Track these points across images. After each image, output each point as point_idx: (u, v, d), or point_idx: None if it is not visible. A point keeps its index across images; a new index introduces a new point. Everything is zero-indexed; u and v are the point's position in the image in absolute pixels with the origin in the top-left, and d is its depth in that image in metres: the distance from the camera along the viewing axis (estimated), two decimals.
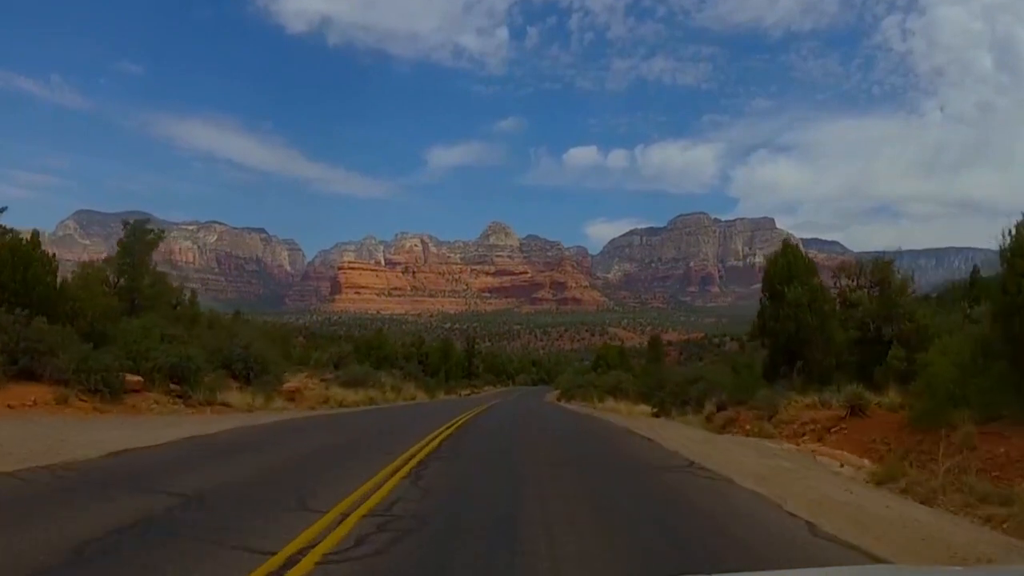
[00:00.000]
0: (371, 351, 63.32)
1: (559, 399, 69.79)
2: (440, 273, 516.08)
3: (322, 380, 48.21)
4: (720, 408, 27.67)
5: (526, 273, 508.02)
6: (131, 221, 39.06)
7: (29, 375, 19.73)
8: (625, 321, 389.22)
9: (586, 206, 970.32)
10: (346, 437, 17.52)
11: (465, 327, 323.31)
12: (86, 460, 10.78)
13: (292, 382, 42.02)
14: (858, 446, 15.72)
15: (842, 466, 14.01)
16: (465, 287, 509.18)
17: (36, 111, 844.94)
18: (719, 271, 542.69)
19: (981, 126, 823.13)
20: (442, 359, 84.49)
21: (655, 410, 33.57)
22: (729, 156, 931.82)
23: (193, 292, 62.38)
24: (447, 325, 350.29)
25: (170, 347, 24.83)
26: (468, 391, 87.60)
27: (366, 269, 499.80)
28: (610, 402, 44.08)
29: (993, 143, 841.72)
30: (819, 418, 18.92)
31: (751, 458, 13.67)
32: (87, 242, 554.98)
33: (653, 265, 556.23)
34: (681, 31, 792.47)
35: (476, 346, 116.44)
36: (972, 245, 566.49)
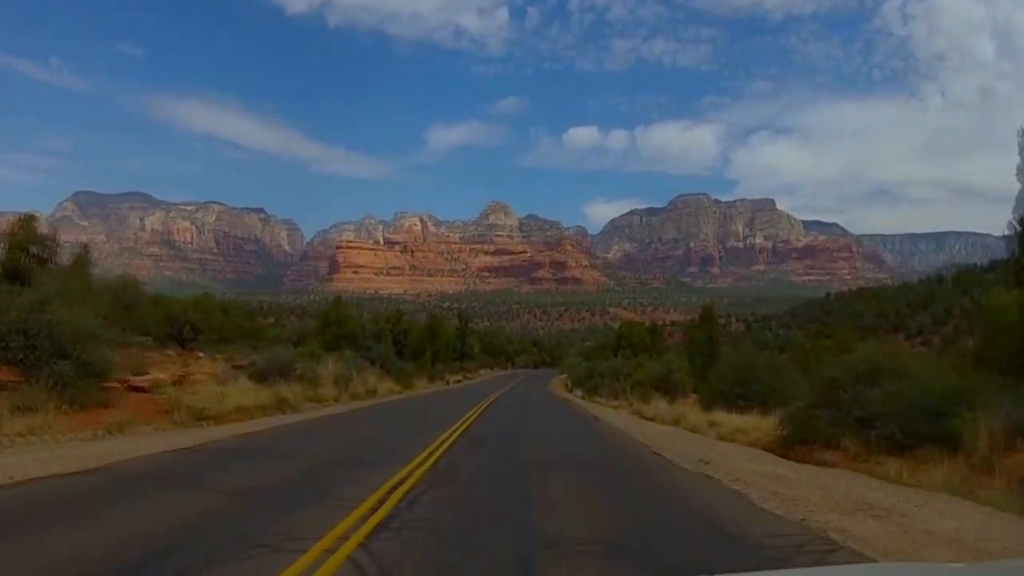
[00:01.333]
0: (327, 327, 47.11)
1: (570, 389, 53.56)
2: (439, 252, 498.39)
3: (234, 367, 32.31)
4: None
5: (525, 253, 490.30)
6: None
7: None
8: (626, 301, 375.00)
9: (586, 186, 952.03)
10: None
11: (464, 306, 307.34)
12: None
13: (166, 372, 26.05)
14: None
15: None
16: (464, 266, 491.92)
17: (36, 94, 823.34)
18: (719, 252, 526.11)
19: (982, 112, 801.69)
20: (428, 338, 68.29)
21: (782, 430, 17.25)
22: (729, 138, 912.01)
23: (55, 235, 44.87)
24: (445, 304, 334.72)
25: None
26: (460, 377, 71.49)
27: (364, 248, 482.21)
28: (659, 403, 27.92)
29: (994, 129, 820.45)
30: None
31: None
32: (85, 223, 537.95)
33: (653, 245, 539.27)
34: (681, 12, 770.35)
35: (471, 324, 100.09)
36: (972, 230, 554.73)
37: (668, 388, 29.10)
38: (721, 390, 25.84)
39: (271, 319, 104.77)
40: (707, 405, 25.65)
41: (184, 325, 47.30)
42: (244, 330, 55.38)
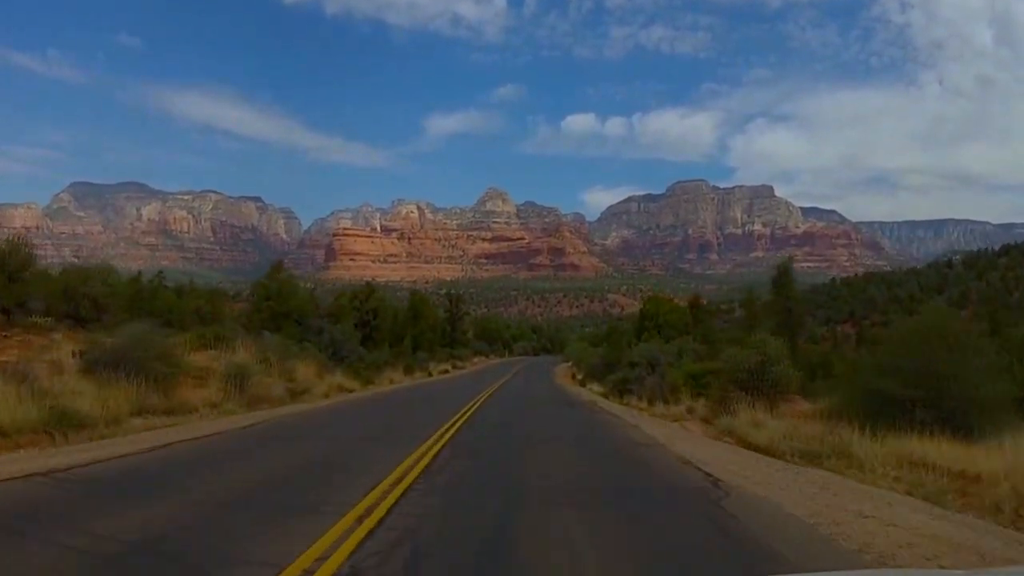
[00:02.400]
0: (264, 303, 35.09)
1: (583, 383, 41.59)
2: (436, 239, 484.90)
3: (74, 356, 20.52)
4: None
5: (523, 239, 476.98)
6: None
7: None
8: (624, 287, 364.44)
9: (583, 173, 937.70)
10: None
11: (461, 293, 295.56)
12: None
13: None
14: None
15: None
16: (462, 253, 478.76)
17: (33, 86, 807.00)
18: (717, 238, 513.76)
19: (980, 100, 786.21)
20: (409, 321, 56.34)
21: None
22: (727, 125, 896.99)
23: None
24: (443, 291, 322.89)
25: None
26: (447, 367, 59.38)
27: (361, 236, 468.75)
28: (754, 413, 15.94)
29: (992, 117, 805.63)
30: None
31: None
32: (82, 214, 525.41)
33: (651, 232, 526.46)
34: None
35: (462, 307, 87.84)
36: (969, 217, 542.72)
37: (761, 387, 17.15)
38: (884, 393, 13.81)
39: None
40: (859, 420, 13.61)
41: (82, 300, 35.48)
42: (203, 313, 44.46)
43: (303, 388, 23.71)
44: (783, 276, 27.39)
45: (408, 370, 42.95)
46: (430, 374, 47.73)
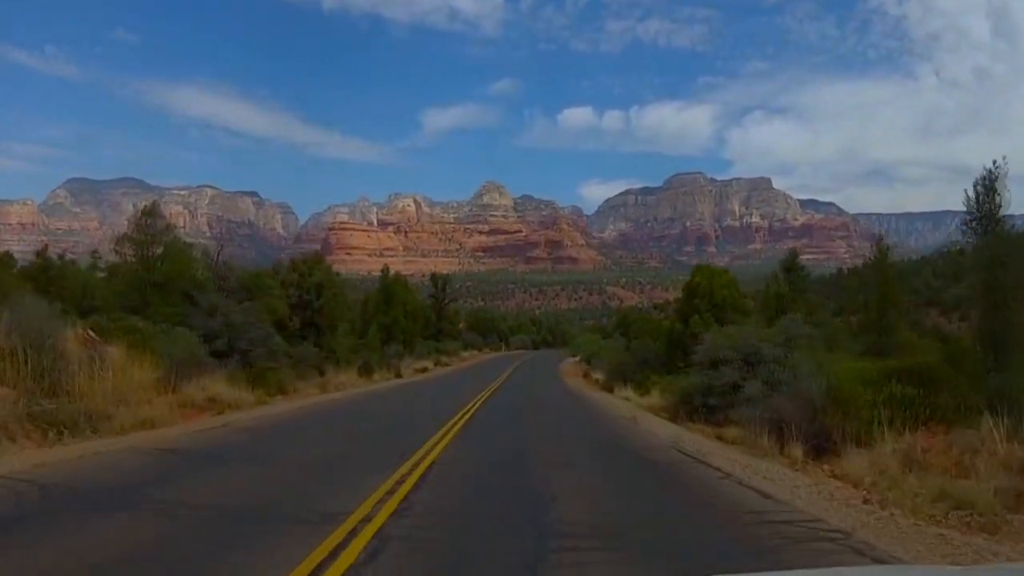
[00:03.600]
0: (142, 276, 22.68)
1: (608, 387, 29.35)
2: (434, 233, 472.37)
3: None
4: None
5: (521, 232, 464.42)
6: None
7: None
8: (623, 280, 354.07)
9: (581, 167, 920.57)
10: None
11: (458, 286, 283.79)
12: None
13: None
14: None
15: None
16: (459, 247, 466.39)
17: (31, 82, 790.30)
18: (715, 231, 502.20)
19: (977, 92, 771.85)
20: (379, 308, 44.06)
21: None
22: (725, 117, 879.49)
23: None
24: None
25: None
26: (429, 364, 46.93)
27: (358, 230, 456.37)
28: None
29: (989, 109, 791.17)
30: None
31: None
32: (78, 210, 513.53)
33: (649, 225, 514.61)
34: None
35: (449, 293, 75.36)
36: (967, 209, 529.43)
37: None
38: None
39: None
40: None
41: None
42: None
43: (91, 411, 11.44)
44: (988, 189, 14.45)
45: (365, 370, 30.57)
46: (399, 375, 35.37)
